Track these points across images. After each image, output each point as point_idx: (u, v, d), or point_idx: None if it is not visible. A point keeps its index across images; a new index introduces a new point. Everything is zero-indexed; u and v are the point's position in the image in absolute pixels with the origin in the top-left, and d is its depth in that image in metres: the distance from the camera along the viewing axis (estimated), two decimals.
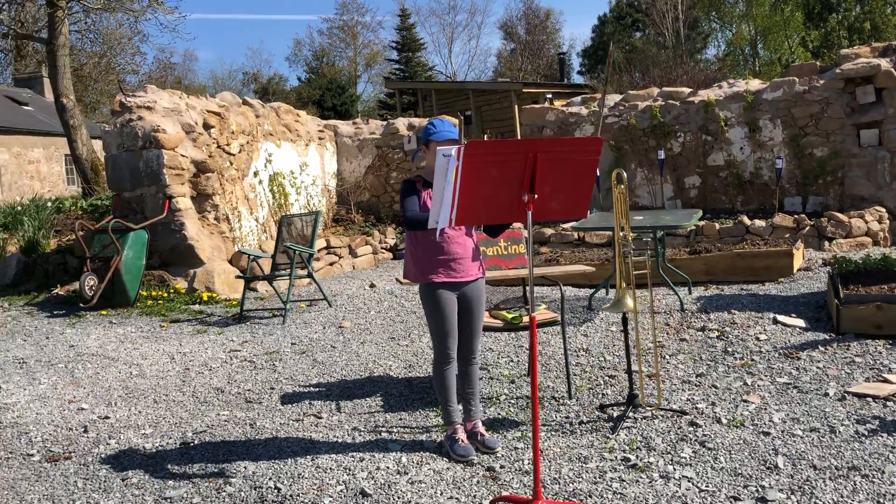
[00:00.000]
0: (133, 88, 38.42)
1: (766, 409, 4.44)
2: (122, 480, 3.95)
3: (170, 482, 3.88)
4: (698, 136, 11.52)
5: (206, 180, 9.65)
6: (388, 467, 3.88)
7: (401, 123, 13.64)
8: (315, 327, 7.18)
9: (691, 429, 4.21)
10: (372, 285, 9.33)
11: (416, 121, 13.69)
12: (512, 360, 5.76)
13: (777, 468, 3.64)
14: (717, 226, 10.07)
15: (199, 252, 9.15)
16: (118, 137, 9.39)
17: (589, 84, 32.22)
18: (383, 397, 5.07)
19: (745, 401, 4.60)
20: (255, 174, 11.22)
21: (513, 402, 4.85)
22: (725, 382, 4.96)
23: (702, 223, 10.14)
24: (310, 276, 8.02)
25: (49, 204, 13.10)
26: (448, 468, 3.87)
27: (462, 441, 4.01)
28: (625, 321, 4.52)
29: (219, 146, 10.33)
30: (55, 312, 8.48)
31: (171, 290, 8.92)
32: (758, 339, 5.81)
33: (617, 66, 30.39)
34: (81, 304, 8.39)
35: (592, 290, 7.38)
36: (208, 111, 10.28)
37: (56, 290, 9.25)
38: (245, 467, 3.99)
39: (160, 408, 5.07)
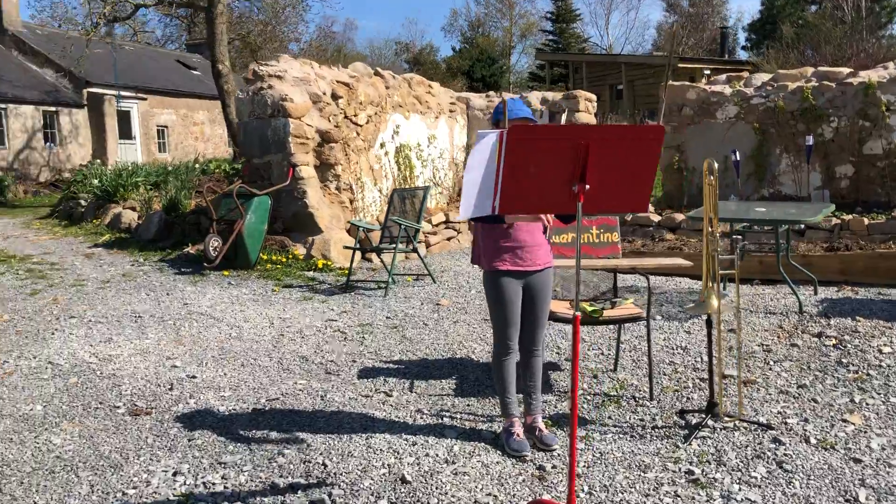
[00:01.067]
0: (272, 58, 39.90)
1: (866, 432, 4.00)
2: (189, 441, 4.09)
3: (230, 446, 3.98)
4: (854, 121, 10.54)
5: (330, 150, 9.84)
6: (436, 454, 3.80)
7: (533, 97, 13.35)
8: (413, 302, 7.19)
9: (773, 446, 3.85)
10: None
11: (550, 95, 13.37)
12: (602, 354, 5.52)
13: (857, 502, 3.26)
14: (867, 221, 9.19)
15: (318, 220, 9.37)
16: (249, 105, 9.74)
17: (751, 60, 30.32)
18: (458, 380, 4.99)
19: (844, 420, 4.16)
20: (382, 145, 11.34)
21: (590, 398, 4.63)
22: (829, 397, 4.51)
23: (848, 217, 9.30)
24: (414, 251, 8.03)
25: (196, 166, 13.87)
26: (498, 462, 3.74)
27: (518, 435, 3.86)
28: (709, 323, 4.18)
29: (346, 116, 10.50)
30: (182, 270, 8.97)
31: (290, 256, 9.21)
32: (880, 351, 5.25)
33: (784, 41, 28.39)
34: (205, 264, 8.82)
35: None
36: (338, 81, 10.46)
37: (187, 249, 9.79)
38: (302, 438, 4.04)
39: (245, 371, 5.23)
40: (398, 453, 3.82)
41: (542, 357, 4.00)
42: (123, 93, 27.20)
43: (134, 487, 3.57)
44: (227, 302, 7.32)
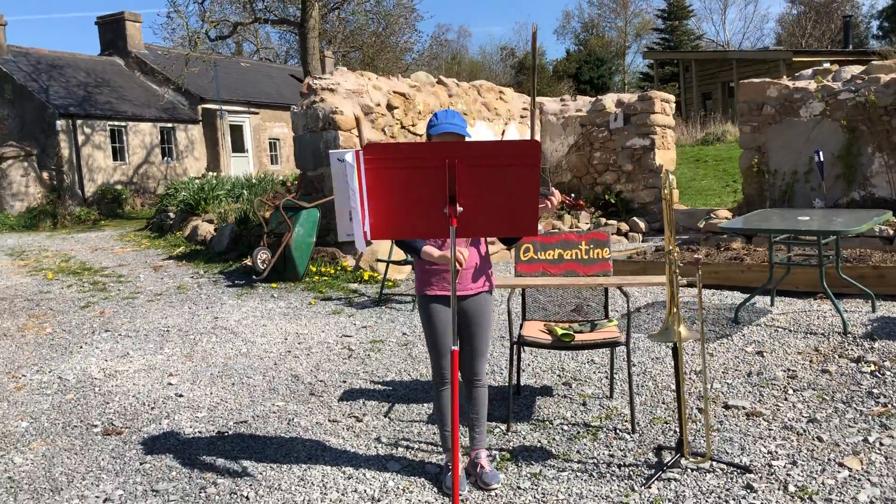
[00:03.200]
0: (391, 69, 40.48)
1: (859, 479, 3.47)
2: (140, 464, 4.06)
3: (173, 472, 3.92)
4: None
5: None
6: (365, 491, 3.59)
7: (609, 100, 12.84)
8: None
9: (742, 493, 3.41)
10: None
11: (626, 96, 12.81)
12: (606, 377, 5.12)
13: None
14: None
15: None
16: (303, 118, 9.83)
17: (878, 50, 28.14)
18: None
19: (840, 464, 3.63)
20: None
21: (567, 428, 4.28)
22: (840, 435, 3.97)
23: None
24: None
25: (275, 178, 14.18)
26: (429, 502, 3.49)
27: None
28: (675, 353, 3.76)
29: (402, 126, 10.42)
30: (235, 282, 9.13)
31: (339, 268, 9.20)
32: None
33: None
34: (254, 277, 8.94)
35: (741, 301, 6.35)
36: (395, 92, 10.40)
37: (246, 261, 9.98)
38: (245, 467, 3.92)
39: (232, 390, 5.19)
40: (326, 487, 3.64)
41: (486, 387, 3.70)
42: (236, 108, 28.34)
43: None
44: (257, 316, 7.36)
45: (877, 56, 25.47)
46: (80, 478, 3.93)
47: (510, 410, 4.34)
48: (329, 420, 4.55)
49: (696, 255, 3.77)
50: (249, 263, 9.86)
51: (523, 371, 5.29)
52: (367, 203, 2.62)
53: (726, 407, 4.45)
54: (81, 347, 6.50)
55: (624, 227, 11.82)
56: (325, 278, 8.94)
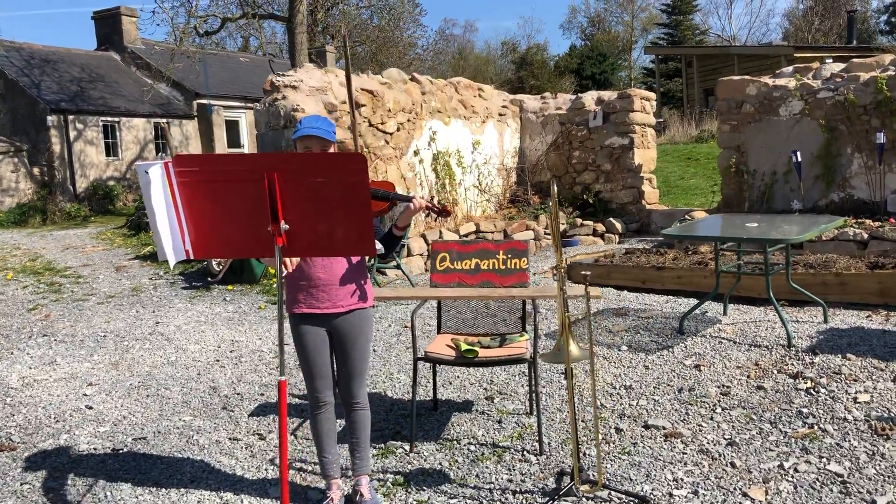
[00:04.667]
0: (394, 64, 40.22)
1: None
2: (21, 484, 3.88)
3: (48, 495, 3.73)
4: None
5: None
6: None
7: (588, 98, 12.57)
8: (384, 323, 6.76)
9: None
10: None
11: (606, 94, 12.53)
12: (545, 392, 4.89)
13: None
14: None
15: None
16: (266, 116, 9.62)
17: (882, 46, 27.67)
18: None
19: (744, 494, 3.40)
20: (416, 153, 10.96)
21: (474, 448, 4.06)
22: (755, 460, 3.73)
23: None
24: (398, 266, 7.60)
25: None
26: None
27: (332, 501, 3.39)
28: (569, 374, 3.53)
29: (371, 125, 10.20)
30: (193, 284, 8.94)
31: None
32: (855, 400, 4.36)
33: None
34: (209, 279, 8.75)
35: (686, 311, 6.10)
36: (363, 89, 10.17)
37: (206, 263, 9.79)
38: (121, 490, 3.73)
39: (143, 403, 5.00)
40: None
41: (367, 410, 3.48)
42: (232, 103, 28.19)
43: None
44: (200, 321, 7.16)
45: (880, 51, 25.03)
46: None
47: (413, 430, 4.12)
48: (229, 438, 4.35)
49: (584, 273, 3.53)
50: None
51: (450, 384, 5.08)
52: (186, 219, 2.40)
53: (646, 427, 4.22)
54: (12, 353, 6.33)
55: (601, 227, 11.56)
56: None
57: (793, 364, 5.01)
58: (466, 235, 10.41)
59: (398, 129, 10.63)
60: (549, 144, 12.76)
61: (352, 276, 3.32)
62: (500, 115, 12.69)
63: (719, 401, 4.53)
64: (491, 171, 12.37)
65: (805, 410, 4.27)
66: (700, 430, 4.14)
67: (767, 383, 4.73)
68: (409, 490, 3.62)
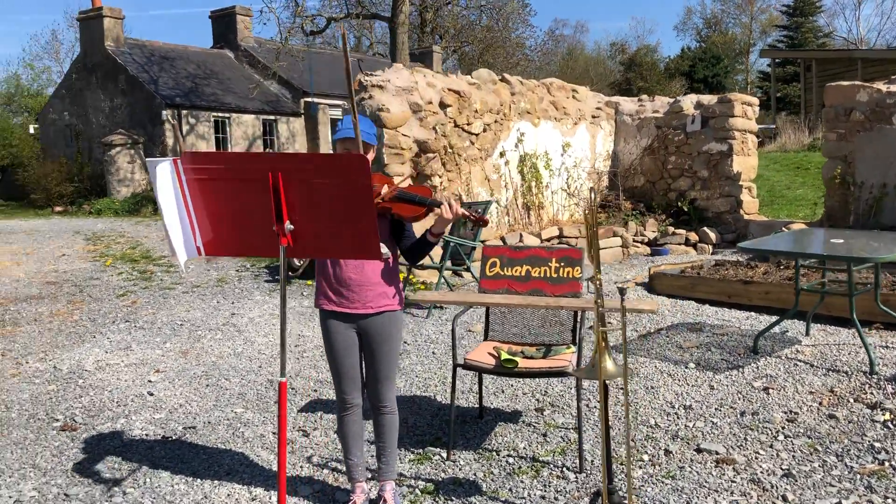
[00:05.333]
0: (508, 64, 40.13)
1: None
2: (75, 463, 4.03)
3: (95, 476, 3.86)
4: None
5: (426, 161, 9.57)
6: None
7: (687, 101, 12.12)
8: (449, 327, 6.70)
9: None
10: None
11: (706, 98, 12.05)
12: (587, 406, 4.73)
13: None
14: None
15: None
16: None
17: None
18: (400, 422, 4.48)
19: None
20: (502, 154, 10.86)
21: (513, 461, 3.94)
22: (811, 495, 3.47)
23: None
24: (467, 269, 7.51)
25: None
26: None
27: (357, 503, 3.35)
28: (604, 391, 3.35)
29: (456, 125, 10.17)
30: (276, 277, 9.16)
31: None
32: None
33: None
34: (290, 273, 8.92)
35: (762, 329, 5.74)
36: (449, 89, 10.15)
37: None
38: (164, 478, 3.81)
39: (201, 393, 5.11)
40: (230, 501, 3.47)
41: (395, 414, 3.42)
42: (338, 101, 28.80)
43: None
44: (272, 314, 7.30)
45: None
46: (9, 474, 3.92)
47: (451, 438, 4.04)
48: (274, 433, 4.39)
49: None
50: None
51: (502, 392, 4.97)
52: (195, 216, 2.41)
53: (698, 450, 3.99)
54: (94, 337, 6.62)
55: (693, 237, 11.12)
56: None
57: (872, 393, 4.63)
58: (549, 240, 10.22)
59: (484, 130, 10.55)
60: (643, 148, 12.38)
61: (383, 278, 3.28)
62: (594, 117, 12.41)
63: (783, 428, 4.23)
64: (581, 174, 12.12)
65: (878, 445, 3.94)
66: (756, 458, 3.88)
67: (840, 412, 4.39)
68: (438, 499, 3.55)
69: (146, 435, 4.42)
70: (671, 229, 11.23)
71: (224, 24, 29.23)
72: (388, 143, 9.28)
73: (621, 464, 3.89)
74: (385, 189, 3.26)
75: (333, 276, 3.24)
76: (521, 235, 9.91)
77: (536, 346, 4.22)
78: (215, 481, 3.75)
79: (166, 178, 2.35)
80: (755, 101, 11.76)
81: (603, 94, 14.05)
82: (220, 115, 24.91)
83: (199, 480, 3.77)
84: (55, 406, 4.92)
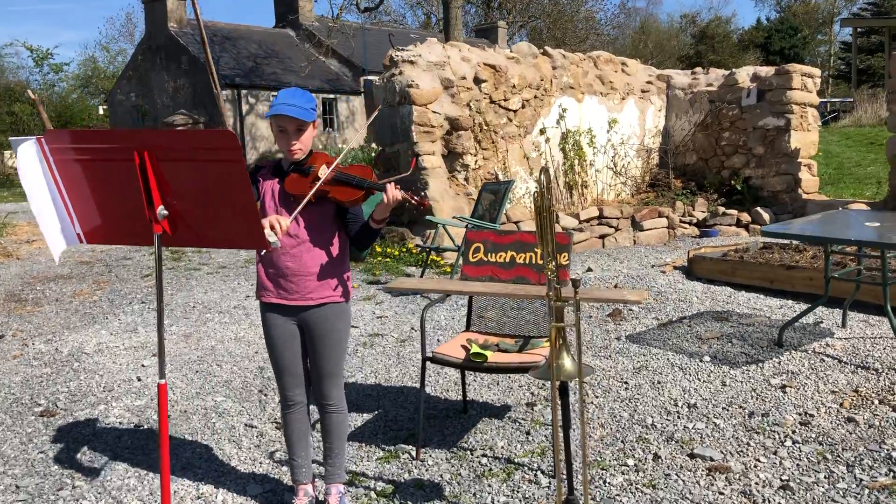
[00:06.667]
0: (564, 40, 39.29)
1: None
2: (39, 453, 3.93)
3: (53, 466, 3.74)
4: None
5: (458, 138, 9.25)
6: None
7: (743, 73, 11.42)
8: (463, 312, 6.42)
9: None
10: (589, 269, 8.06)
11: (763, 70, 11.33)
12: (613, 395, 4.39)
13: None
14: None
15: (436, 213, 8.85)
16: (383, 92, 9.49)
17: None
18: (377, 417, 4.25)
19: None
20: (542, 131, 10.45)
21: (487, 461, 3.66)
22: None
23: None
24: None
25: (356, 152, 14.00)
26: None
27: None
28: (563, 391, 3.03)
29: (492, 101, 9.81)
30: None
31: (404, 249, 8.83)
32: None
33: None
34: None
35: (789, 320, 5.26)
36: (485, 64, 9.79)
37: None
38: (115, 470, 3.67)
39: (188, 380, 4.98)
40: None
41: (342, 413, 3.17)
42: None
43: None
44: None
45: None
46: None
47: (419, 436, 3.77)
48: (246, 424, 4.21)
49: (572, 277, 2.97)
50: None
51: (496, 385, 4.67)
52: (70, 201, 2.19)
53: (691, 455, 3.63)
54: (106, 318, 6.59)
55: (745, 218, 10.51)
56: (388, 260, 8.60)
57: None
58: (588, 221, 9.80)
59: (523, 106, 10.16)
60: (696, 124, 11.76)
61: (326, 268, 3.01)
62: (644, 91, 11.84)
63: (793, 432, 3.82)
64: (628, 151, 11.59)
65: None
66: (755, 467, 3.49)
67: (861, 415, 3.95)
68: (396, 501, 3.29)
69: (120, 423, 4.29)
70: (721, 209, 10.64)
71: (286, 3, 29.32)
72: (416, 121, 9.00)
73: (602, 468, 3.57)
74: (323, 170, 2.99)
75: (270, 264, 3.00)
76: (556, 216, 9.51)
77: (515, 339, 3.90)
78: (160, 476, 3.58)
79: (32, 159, 2.14)
80: (816, 72, 10.99)
81: (674, 68, 13.37)
82: None
83: (151, 475, 3.61)
84: (42, 390, 4.86)
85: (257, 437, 4.03)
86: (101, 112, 34.19)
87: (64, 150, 2.11)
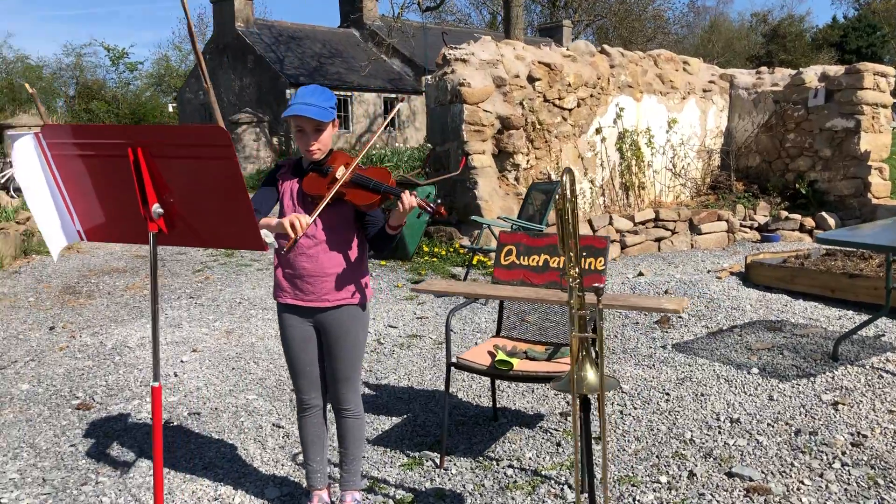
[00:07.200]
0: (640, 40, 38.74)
1: None
2: (70, 446, 3.96)
3: (80, 461, 3.76)
4: None
5: (509, 137, 9.11)
6: None
7: (810, 73, 10.97)
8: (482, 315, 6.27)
9: None
10: (640, 274, 7.82)
11: (833, 69, 10.86)
12: (622, 413, 4.23)
13: None
14: None
15: (485, 213, 8.74)
16: (434, 91, 9.41)
17: None
18: (405, 420, 4.17)
19: None
20: (598, 131, 10.23)
21: (512, 473, 3.53)
22: None
23: None
24: None
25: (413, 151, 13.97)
26: None
27: None
28: (585, 405, 2.88)
29: (546, 100, 9.63)
30: None
31: (451, 249, 8.74)
32: None
33: None
34: None
35: (846, 332, 4.97)
36: (539, 62, 9.62)
37: None
38: (138, 466, 3.67)
39: (223, 377, 4.97)
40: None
41: (359, 418, 3.08)
42: None
43: None
44: None
45: None
46: (2, 452, 3.90)
47: (443, 444, 3.67)
48: (273, 424, 4.17)
49: (596, 284, 2.81)
50: None
51: (531, 392, 4.53)
52: (69, 197, 2.16)
53: (728, 474, 3.43)
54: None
55: (809, 223, 10.08)
56: (435, 260, 8.52)
57: None
58: (643, 223, 9.53)
59: (578, 105, 9.95)
60: (760, 125, 11.35)
61: (343, 270, 2.93)
62: (705, 90, 11.49)
63: (843, 453, 3.58)
64: (688, 152, 11.26)
65: None
66: (797, 489, 3.28)
67: None
68: None
69: (151, 419, 4.30)
70: (784, 214, 10.23)
71: (350, 2, 29.55)
72: (467, 120, 8.89)
73: (633, 484, 3.40)
74: (341, 171, 2.91)
75: (287, 265, 2.93)
76: (609, 217, 9.29)
77: (546, 346, 3.76)
78: (188, 475, 3.57)
79: (30, 154, 2.11)
80: (890, 70, 10.48)
81: (742, 68, 12.95)
82: (341, 93, 25.22)
83: (173, 473, 3.59)
84: (82, 383, 4.92)
85: (283, 437, 3.99)
86: (170, 109, 35.11)
87: (61, 145, 2.08)
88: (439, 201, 2.91)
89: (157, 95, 44.39)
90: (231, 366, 5.19)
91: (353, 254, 2.96)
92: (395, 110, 3.65)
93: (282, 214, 2.94)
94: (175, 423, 4.23)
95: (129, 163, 2.01)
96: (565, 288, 3.80)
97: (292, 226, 2.68)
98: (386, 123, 3.40)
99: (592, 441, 3.87)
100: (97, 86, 40.79)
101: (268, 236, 2.38)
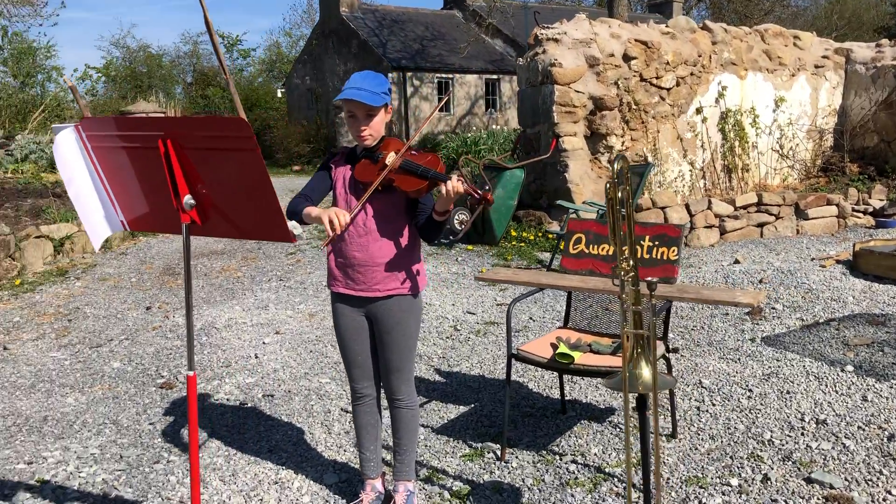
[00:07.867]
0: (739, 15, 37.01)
1: None
2: (149, 424, 4.13)
3: (156, 439, 3.90)
4: None
5: (602, 119, 8.85)
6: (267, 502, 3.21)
7: (889, 52, 10.15)
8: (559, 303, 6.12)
9: None
10: (736, 261, 7.44)
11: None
12: (697, 409, 4.04)
13: None
14: None
15: (575, 197, 8.56)
16: (526, 72, 9.25)
17: None
18: (472, 409, 4.12)
19: None
20: (698, 111, 9.82)
21: (575, 469, 3.43)
22: None
23: None
24: None
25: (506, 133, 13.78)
26: None
27: (362, 502, 3.06)
28: (640, 405, 2.73)
29: (643, 79, 9.31)
30: (442, 241, 9.01)
31: (540, 234, 8.60)
32: None
33: None
34: (451, 237, 8.73)
35: None
36: (636, 40, 9.30)
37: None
38: (208, 448, 3.77)
39: (301, 360, 5.06)
40: (238, 491, 3.33)
41: (413, 409, 3.05)
42: None
43: (29, 462, 3.73)
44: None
45: None
46: (88, 428, 4.09)
47: (504, 436, 3.59)
48: (342, 409, 4.20)
49: (649, 279, 2.63)
50: None
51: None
52: (111, 187, 2.21)
53: (807, 480, 3.22)
54: (244, 294, 6.88)
55: None
56: (522, 244, 8.41)
57: None
58: (745, 207, 9.08)
59: (677, 84, 9.57)
60: (878, 102, 10.60)
61: (394, 259, 2.90)
62: (817, 66, 10.82)
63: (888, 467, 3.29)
64: (797, 132, 10.65)
65: None
66: (883, 501, 3.04)
67: None
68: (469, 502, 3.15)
69: (227, 399, 4.43)
70: None
71: None
72: (558, 101, 8.70)
73: (701, 486, 3.23)
74: (391, 157, 2.86)
75: (339, 254, 2.92)
76: (708, 201, 8.89)
77: (613, 339, 3.62)
78: (253, 458, 3.64)
79: (71, 146, 2.16)
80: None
81: (869, 41, 12.12)
82: (442, 76, 25.24)
83: (239, 455, 3.67)
84: (168, 362, 5.12)
85: (349, 423, 4.02)
86: (279, 95, 36.16)
87: (100, 137, 2.12)
88: (487, 188, 2.81)
89: (269, 81, 45.78)
90: (309, 349, 5.27)
91: (405, 242, 2.91)
92: (443, 100, 3.57)
93: (335, 201, 2.93)
94: (249, 405, 4.33)
95: (160, 154, 2.02)
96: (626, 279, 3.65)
97: (331, 222, 2.67)
98: (439, 106, 3.32)
99: (660, 439, 3.72)
100: (213, 73, 42.44)
101: (296, 228, 2.36)
